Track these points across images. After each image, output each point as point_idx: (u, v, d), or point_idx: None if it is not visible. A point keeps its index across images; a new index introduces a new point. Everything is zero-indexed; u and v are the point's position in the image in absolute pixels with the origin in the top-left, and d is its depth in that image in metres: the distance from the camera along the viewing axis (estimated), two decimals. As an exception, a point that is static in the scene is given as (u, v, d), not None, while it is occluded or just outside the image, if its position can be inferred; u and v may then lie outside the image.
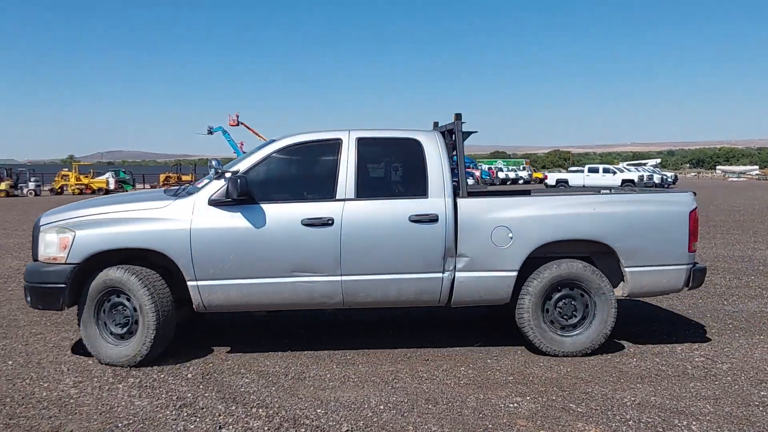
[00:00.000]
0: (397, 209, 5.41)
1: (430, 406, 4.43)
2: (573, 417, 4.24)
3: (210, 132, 61.49)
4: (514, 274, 5.46)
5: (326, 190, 5.48)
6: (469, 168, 66.30)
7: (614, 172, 41.59)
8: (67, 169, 52.86)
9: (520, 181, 71.29)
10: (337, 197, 5.44)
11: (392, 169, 5.92)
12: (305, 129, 7.44)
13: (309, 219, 5.33)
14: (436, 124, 5.93)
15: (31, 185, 45.29)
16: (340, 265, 5.35)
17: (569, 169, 53.62)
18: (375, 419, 4.22)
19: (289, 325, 6.69)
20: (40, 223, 5.50)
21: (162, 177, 56.33)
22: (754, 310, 7.29)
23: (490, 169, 70.47)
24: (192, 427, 4.11)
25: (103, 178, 48.99)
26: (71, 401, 4.56)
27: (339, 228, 5.34)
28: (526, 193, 6.54)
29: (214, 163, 5.66)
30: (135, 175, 61.77)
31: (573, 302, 5.57)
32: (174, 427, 4.10)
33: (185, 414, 4.31)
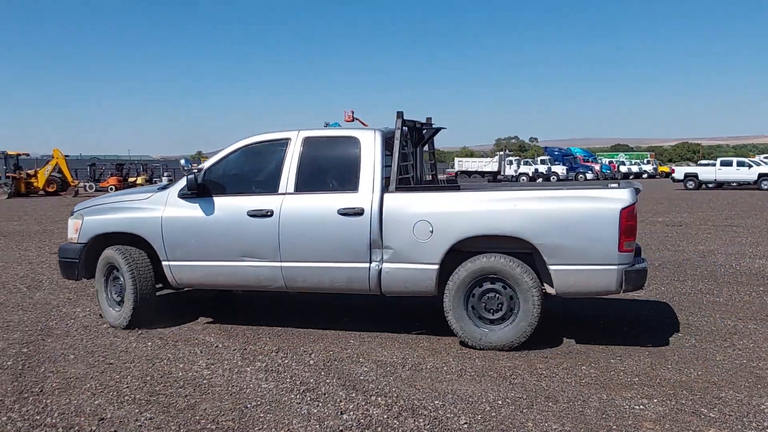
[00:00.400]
0: (328, 203, 5.84)
1: (550, 404, 4.35)
2: (705, 422, 4.02)
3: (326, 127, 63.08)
4: (436, 267, 5.58)
5: (271, 185, 6.09)
6: (588, 162, 63.97)
7: (750, 166, 38.59)
8: (197, 164, 56.15)
9: (644, 175, 67.84)
10: (279, 191, 6.01)
11: (332, 165, 6.24)
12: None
13: (253, 210, 5.97)
14: (399, 113, 6.05)
15: (165, 180, 48.59)
16: (279, 253, 5.93)
17: (699, 162, 50.42)
18: (493, 414, 4.20)
19: (405, 316, 6.78)
20: (72, 210, 6.82)
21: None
22: None
23: (611, 162, 67.56)
24: (315, 411, 4.27)
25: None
26: (204, 381, 4.87)
27: (277, 219, 5.90)
28: (455, 188, 6.75)
29: (182, 162, 6.80)
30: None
31: (498, 296, 5.54)
32: (299, 410, 4.29)
33: (308, 398, 4.49)
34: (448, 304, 5.62)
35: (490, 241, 5.55)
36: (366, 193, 5.74)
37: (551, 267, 5.38)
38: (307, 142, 6.12)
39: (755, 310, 6.97)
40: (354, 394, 4.55)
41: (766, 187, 36.96)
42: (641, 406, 4.28)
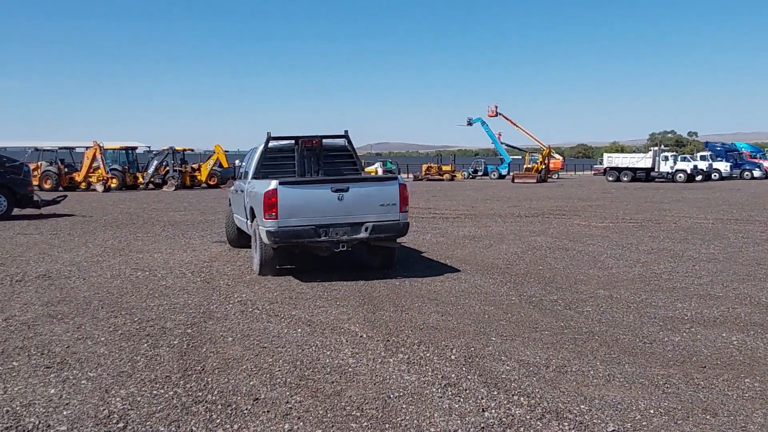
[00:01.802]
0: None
1: (708, 417, 4.07)
2: None
3: (469, 123, 62.83)
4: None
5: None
6: (756, 158, 58.69)
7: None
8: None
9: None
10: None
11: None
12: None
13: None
14: (268, 133, 9.97)
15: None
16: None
17: None
18: (644, 423, 3.99)
19: (544, 319, 6.61)
20: None
21: (424, 167, 59.11)
22: None
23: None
24: (456, 406, 4.29)
25: (373, 167, 53.06)
26: (350, 370, 5.05)
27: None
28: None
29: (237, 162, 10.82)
30: (400, 165, 65.69)
31: None
32: (440, 404, 4.33)
33: (450, 393, 4.52)
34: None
35: None
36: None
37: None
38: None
39: None
40: (496, 392, 4.52)
41: None
42: (816, 428, 3.89)
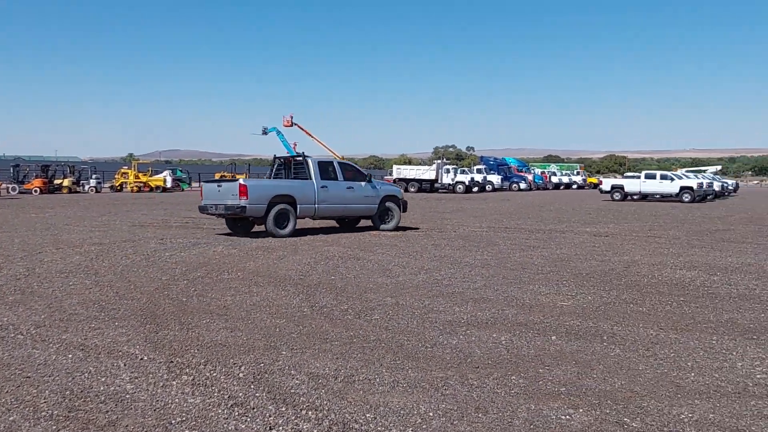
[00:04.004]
0: None
1: (480, 415, 4.38)
2: (627, 432, 4.13)
3: (264, 132, 62.36)
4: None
5: None
6: (522, 172, 65.51)
7: (672, 179, 40.38)
8: (126, 167, 54.48)
9: (574, 186, 69.91)
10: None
11: None
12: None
13: None
14: (275, 155, 16.60)
15: (93, 182, 46.86)
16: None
17: (625, 174, 52.42)
18: (424, 426, 4.19)
19: (334, 330, 6.72)
20: None
21: (217, 176, 57.54)
22: (822, 326, 6.97)
23: (543, 173, 69.43)
24: (243, 426, 4.17)
25: (160, 176, 50.35)
26: (127, 396, 4.68)
27: None
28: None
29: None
30: (191, 174, 63.21)
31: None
32: (225, 426, 4.17)
33: (237, 413, 4.38)
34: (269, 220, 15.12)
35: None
36: None
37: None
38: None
39: (676, 319, 7.24)
40: (284, 408, 4.46)
41: (687, 199, 38.69)
42: (567, 417, 4.37)
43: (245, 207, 14.58)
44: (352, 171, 17.12)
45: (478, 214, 25.14)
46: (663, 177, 40.94)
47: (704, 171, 68.61)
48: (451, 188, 53.18)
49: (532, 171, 69.45)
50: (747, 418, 4.38)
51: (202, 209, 15.81)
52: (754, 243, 15.47)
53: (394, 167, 59.59)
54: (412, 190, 53.66)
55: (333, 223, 18.50)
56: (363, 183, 16.94)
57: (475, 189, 53.60)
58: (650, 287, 9.24)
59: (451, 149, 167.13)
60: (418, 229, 18.18)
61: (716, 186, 45.80)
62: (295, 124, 63.29)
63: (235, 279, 9.52)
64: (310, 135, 63.60)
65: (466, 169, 63.76)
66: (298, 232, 16.51)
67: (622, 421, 4.31)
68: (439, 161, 58.92)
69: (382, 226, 17.29)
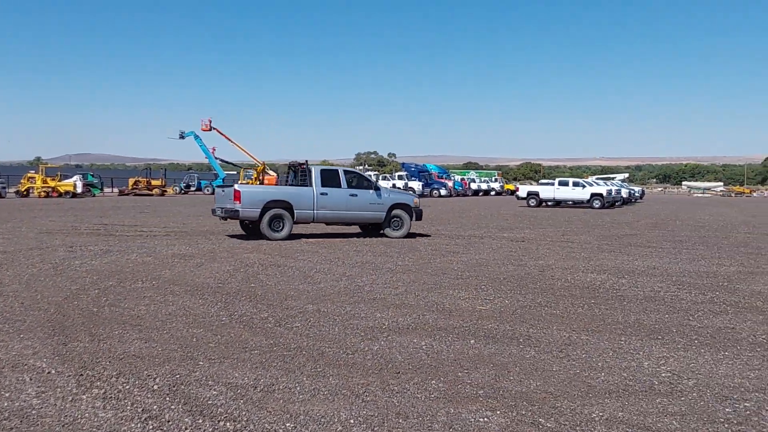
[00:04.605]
0: None
1: (400, 420, 4.41)
2: (542, 432, 4.26)
3: (182, 136, 60.72)
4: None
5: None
6: (442, 178, 66.57)
7: (584, 186, 42.11)
8: (33, 172, 51.72)
9: (492, 192, 71.76)
10: None
11: None
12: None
13: None
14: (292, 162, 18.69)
15: (-3, 187, 44.20)
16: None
17: (540, 181, 54.30)
18: (345, 433, 4.18)
19: (254, 338, 6.62)
20: None
21: (131, 181, 55.56)
22: (719, 325, 7.42)
23: (462, 179, 70.83)
24: (158, 440, 4.03)
25: (70, 181, 48.03)
26: (33, 412, 4.44)
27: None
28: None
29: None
30: (104, 179, 60.75)
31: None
32: (139, 440, 4.02)
33: (151, 427, 4.23)
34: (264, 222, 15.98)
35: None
36: None
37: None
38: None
39: (587, 321, 7.54)
40: (201, 421, 4.34)
41: (597, 206, 40.43)
42: (485, 419, 4.46)
43: (238, 211, 15.94)
44: (357, 179, 17.68)
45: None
46: (575, 184, 42.63)
47: (613, 178, 71.90)
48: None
49: (452, 178, 70.75)
50: (653, 415, 4.60)
51: (213, 212, 17.33)
52: (659, 247, 16.33)
53: (316, 173, 59.27)
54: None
55: (356, 228, 18.82)
56: (369, 191, 17.35)
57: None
58: (563, 290, 9.58)
59: (373, 155, 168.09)
60: (338, 236, 18.16)
61: (624, 193, 48.10)
62: (214, 129, 61.82)
63: (150, 288, 9.21)
64: (229, 140, 62.28)
65: (387, 175, 64.28)
66: (218, 238, 16.16)
67: (537, 421, 4.44)
68: (360, 167, 59.07)
69: (391, 234, 17.44)
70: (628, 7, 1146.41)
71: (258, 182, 54.37)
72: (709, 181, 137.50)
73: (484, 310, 8.04)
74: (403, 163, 74.33)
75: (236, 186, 16.89)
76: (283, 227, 16.23)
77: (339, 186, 17.07)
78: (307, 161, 18.02)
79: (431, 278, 10.51)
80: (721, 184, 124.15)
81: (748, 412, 4.67)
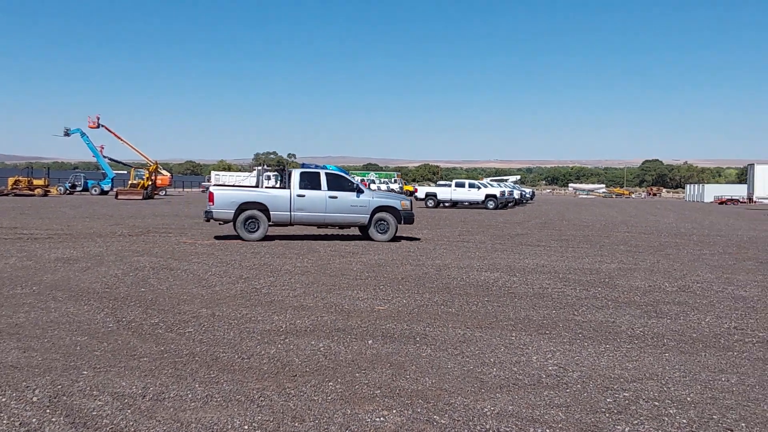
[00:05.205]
0: None
1: (296, 424, 4.36)
2: (437, 429, 4.34)
3: (67, 134, 57.54)
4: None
5: None
6: (341, 179, 66.72)
7: (479, 187, 43.48)
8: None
9: (391, 194, 72.56)
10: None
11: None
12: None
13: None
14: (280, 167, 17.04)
15: None
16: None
17: (437, 183, 55.51)
18: (239, 440, 4.08)
19: (143, 345, 6.35)
20: None
21: (11, 181, 51.95)
22: (601, 320, 7.86)
23: (363, 180, 71.29)
24: (35, 457, 3.77)
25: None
26: None
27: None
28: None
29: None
30: (-22, 178, 56.47)
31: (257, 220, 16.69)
32: (14, 458, 3.75)
33: (28, 443, 3.95)
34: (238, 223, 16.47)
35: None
36: None
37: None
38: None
39: (481, 318, 7.77)
40: (84, 433, 4.11)
41: (491, 206, 41.86)
42: (382, 418, 4.49)
43: (211, 212, 16.50)
44: (340, 181, 17.47)
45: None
46: (471, 186, 43.95)
47: (506, 180, 74.70)
48: (271, 195, 52.76)
49: (353, 179, 71.03)
50: (540, 407, 4.80)
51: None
52: (547, 246, 17.11)
53: (213, 173, 57.94)
54: (232, 196, 52.47)
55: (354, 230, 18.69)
56: (351, 193, 17.21)
57: (296, 196, 53.67)
58: (459, 289, 9.83)
59: (272, 156, 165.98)
60: (235, 237, 17.79)
61: (516, 194, 50.10)
62: (103, 126, 58.97)
63: (30, 294, 8.64)
64: (119, 138, 59.61)
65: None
66: (106, 241, 15.40)
67: (432, 419, 4.52)
68: (260, 168, 58.20)
69: (376, 237, 17.28)
70: (520, 11, 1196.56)
71: (150, 182, 52.36)
72: (592, 183, 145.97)
73: (383, 310, 8.11)
74: (303, 164, 73.70)
75: (211, 188, 17.46)
76: (258, 228, 16.54)
77: (319, 188, 17.06)
78: (286, 164, 18.81)
79: (330, 279, 10.49)
80: (604, 186, 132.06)
81: (626, 401, 4.97)
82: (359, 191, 17.40)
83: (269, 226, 16.85)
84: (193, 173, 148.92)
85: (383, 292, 9.40)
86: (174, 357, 5.88)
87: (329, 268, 11.88)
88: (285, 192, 16.97)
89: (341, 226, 17.78)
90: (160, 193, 58.07)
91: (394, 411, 4.64)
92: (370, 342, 6.57)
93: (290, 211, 16.84)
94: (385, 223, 17.38)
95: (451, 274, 11.46)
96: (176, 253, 13.55)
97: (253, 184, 53.50)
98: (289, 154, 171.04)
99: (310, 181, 17.21)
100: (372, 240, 17.23)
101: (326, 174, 17.53)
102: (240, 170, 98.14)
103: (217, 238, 17.11)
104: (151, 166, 54.78)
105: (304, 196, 16.88)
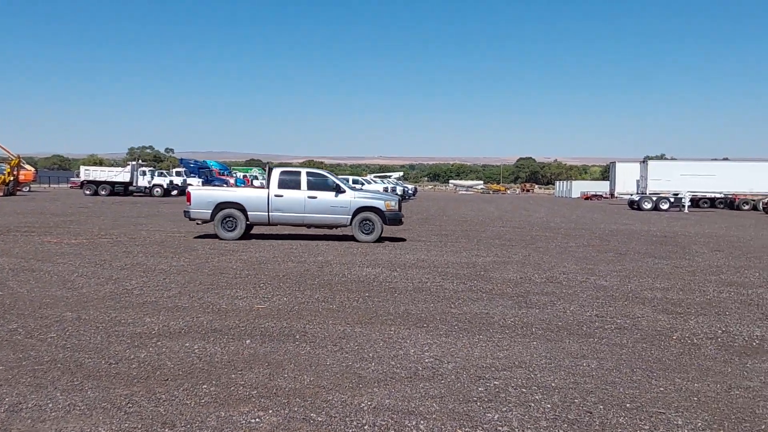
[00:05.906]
0: None
1: (166, 430, 4.19)
2: (313, 427, 4.32)
3: None
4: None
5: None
6: (223, 175, 65.09)
7: (363, 184, 43.84)
8: None
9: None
10: None
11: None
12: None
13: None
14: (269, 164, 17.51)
15: None
16: None
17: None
18: (102, 450, 3.86)
19: (3, 353, 5.87)
20: None
21: None
22: (476, 311, 8.16)
23: (245, 176, 69.92)
24: None
25: None
26: None
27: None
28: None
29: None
30: None
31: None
32: None
33: None
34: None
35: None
36: None
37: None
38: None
39: (361, 314, 7.83)
40: (-77, 454, 3.73)
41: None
42: (257, 419, 4.41)
43: (189, 212, 16.56)
44: (320, 181, 17.18)
45: (176, 218, 24.26)
46: (355, 182, 44.21)
47: (389, 176, 75.84)
48: (148, 191, 50.54)
49: (235, 175, 69.47)
50: (416, 399, 4.91)
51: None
52: (428, 241, 17.55)
53: (82, 168, 54.64)
54: (103, 193, 49.87)
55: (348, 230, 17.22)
56: (331, 193, 16.77)
57: (175, 192, 51.76)
58: (341, 285, 9.86)
59: (148, 150, 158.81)
60: (106, 236, 16.86)
61: (399, 190, 50.99)
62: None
63: None
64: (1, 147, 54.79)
65: (164, 171, 61.23)
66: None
67: (309, 416, 4.49)
68: (134, 162, 55.60)
69: (360, 237, 16.82)
70: (400, 8, 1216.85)
71: (12, 178, 48.58)
72: (472, 180, 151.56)
73: (262, 309, 7.98)
74: (182, 159, 71.39)
75: (189, 188, 17.85)
76: (235, 228, 16.48)
77: (298, 188, 16.77)
78: (270, 163, 18.09)
79: (208, 278, 10.19)
80: (482, 182, 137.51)
81: (497, 390, 5.18)
82: (340, 191, 16.95)
83: (248, 225, 16.70)
84: (61, 168, 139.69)
85: (263, 291, 9.25)
86: (34, 364, 5.48)
87: (207, 266, 11.54)
88: (263, 192, 16.88)
89: (321, 227, 17.41)
90: (24, 189, 54.02)
91: (270, 411, 4.57)
92: (247, 342, 6.44)
93: (268, 212, 16.63)
94: (371, 223, 16.98)
95: (333, 270, 11.48)
96: (39, 254, 12.65)
97: (127, 180, 51.11)
98: (166, 149, 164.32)
99: (290, 180, 17.00)
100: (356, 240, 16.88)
101: (307, 173, 17.38)
102: (113, 165, 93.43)
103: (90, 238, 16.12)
104: (12, 160, 50.76)
105: (282, 196, 16.64)
